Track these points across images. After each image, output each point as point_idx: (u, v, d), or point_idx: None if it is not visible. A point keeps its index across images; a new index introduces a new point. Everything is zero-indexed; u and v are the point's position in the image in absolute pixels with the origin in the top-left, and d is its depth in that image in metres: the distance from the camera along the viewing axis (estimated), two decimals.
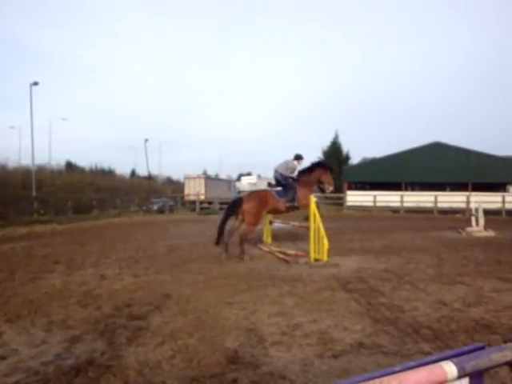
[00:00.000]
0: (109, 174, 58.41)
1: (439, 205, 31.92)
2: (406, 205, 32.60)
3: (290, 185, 10.81)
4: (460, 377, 1.97)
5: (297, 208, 10.79)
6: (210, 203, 35.50)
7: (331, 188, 11.33)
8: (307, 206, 9.90)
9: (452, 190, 36.01)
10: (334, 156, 52.50)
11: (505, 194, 32.30)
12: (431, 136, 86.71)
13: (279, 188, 10.88)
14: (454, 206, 31.33)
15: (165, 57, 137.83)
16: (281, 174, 10.95)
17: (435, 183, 36.09)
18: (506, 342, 2.18)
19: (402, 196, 32.98)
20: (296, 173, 11.16)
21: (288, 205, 10.69)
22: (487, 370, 2.15)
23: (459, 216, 28.32)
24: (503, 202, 30.24)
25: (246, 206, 10.26)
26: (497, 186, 35.81)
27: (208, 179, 39.84)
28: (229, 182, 46.29)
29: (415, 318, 5.19)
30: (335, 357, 4.06)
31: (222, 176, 55.53)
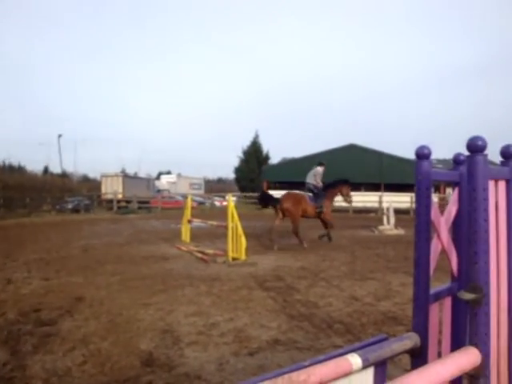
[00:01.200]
0: (18, 170, 54.85)
1: (354, 204, 33.36)
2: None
3: (321, 193, 12.65)
4: (365, 367, 2.05)
5: (321, 214, 12.62)
6: (127, 202, 34.53)
7: (351, 199, 14.31)
8: (329, 217, 12.66)
9: (366, 190, 37.78)
10: (254, 155, 53.12)
11: (413, 194, 34.37)
12: (347, 138, 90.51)
13: (311, 194, 12.58)
14: (368, 205, 32.90)
15: (80, 50, 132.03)
16: (313, 185, 12.76)
17: (351, 183, 37.65)
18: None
19: None
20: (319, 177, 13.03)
21: (318, 210, 12.40)
22: (390, 358, 2.27)
23: (372, 215, 29.79)
24: (411, 201, 32.22)
25: (286, 205, 11.94)
26: (406, 187, 38.09)
27: (126, 178, 38.69)
28: (148, 181, 45.27)
29: (329, 314, 5.37)
30: (251, 354, 4.09)
31: (141, 175, 54.20)
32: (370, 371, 2.19)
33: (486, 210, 1.84)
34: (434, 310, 2.47)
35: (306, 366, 1.90)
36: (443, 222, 2.39)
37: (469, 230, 1.88)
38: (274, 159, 54.90)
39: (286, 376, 1.72)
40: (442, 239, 2.38)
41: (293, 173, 37.79)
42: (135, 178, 43.73)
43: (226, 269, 8.51)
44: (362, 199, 33.46)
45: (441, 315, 2.68)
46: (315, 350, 4.17)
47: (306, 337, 4.56)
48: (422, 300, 2.29)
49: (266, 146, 57.41)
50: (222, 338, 4.52)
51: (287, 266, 8.69)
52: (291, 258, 9.90)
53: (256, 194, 35.40)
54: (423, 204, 2.20)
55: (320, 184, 12.90)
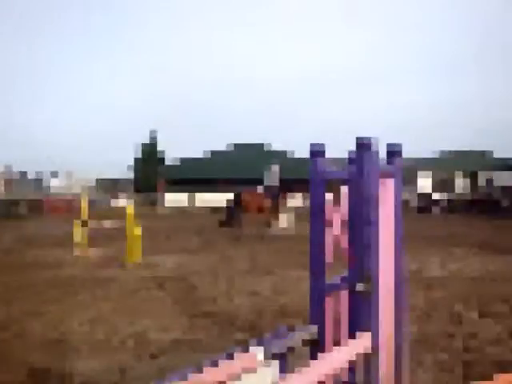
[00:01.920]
0: None
1: None
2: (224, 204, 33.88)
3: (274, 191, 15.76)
4: (268, 360, 2.11)
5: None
6: (15, 204, 31.98)
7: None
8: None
9: None
10: (151, 155, 51.84)
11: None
12: (250, 137, 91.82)
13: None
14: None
15: None
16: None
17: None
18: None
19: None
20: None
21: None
22: (291, 349, 2.35)
23: None
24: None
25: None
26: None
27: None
28: (37, 181, 42.22)
29: (231, 310, 5.43)
30: (153, 358, 4.01)
31: (31, 174, 50.30)
32: (274, 363, 2.25)
33: (376, 206, 1.99)
34: (330, 300, 2.60)
35: (209, 365, 1.90)
36: (337, 216, 2.53)
37: (360, 224, 2.01)
38: (173, 159, 54.08)
39: (189, 377, 1.71)
40: (336, 233, 2.51)
41: (192, 172, 37.60)
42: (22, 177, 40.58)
43: (124, 271, 8.24)
44: None
45: (338, 305, 2.84)
46: (219, 347, 4.19)
47: (210, 335, 4.58)
48: (318, 292, 2.41)
49: (163, 145, 56.32)
50: (123, 344, 4.38)
51: (188, 265, 8.64)
52: (192, 257, 9.85)
53: (153, 195, 34.78)
54: (317, 200, 2.31)
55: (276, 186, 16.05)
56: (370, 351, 2.02)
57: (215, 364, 1.85)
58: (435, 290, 6.40)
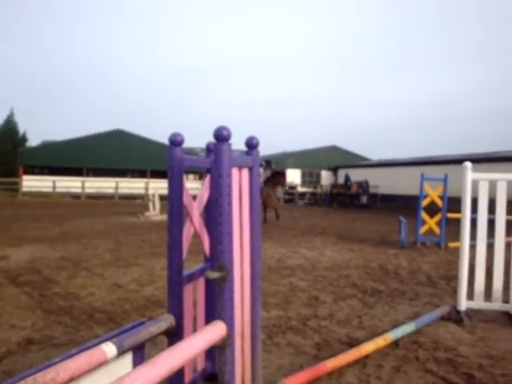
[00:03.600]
0: None
1: (120, 191, 32.84)
2: (87, 191, 32.25)
3: (262, 188, 15.55)
4: (121, 353, 2.04)
5: (264, 202, 15.83)
6: None
7: (286, 187, 20.00)
8: (269, 202, 16.00)
9: (133, 176, 37.54)
10: (9, 136, 47.27)
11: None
12: (114, 123, 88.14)
13: None
14: (135, 192, 32.79)
15: None
16: None
17: (117, 169, 36.83)
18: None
19: (83, 182, 32.44)
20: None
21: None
22: (148, 341, 2.30)
23: (139, 202, 29.78)
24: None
25: None
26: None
27: None
28: None
29: (90, 304, 5.18)
30: None
31: None
32: (128, 357, 2.19)
33: (230, 195, 2.02)
34: (188, 290, 2.60)
35: (55, 363, 1.79)
36: (196, 206, 2.53)
37: (214, 214, 2.03)
38: (33, 141, 49.95)
39: (29, 378, 1.59)
40: (195, 223, 2.51)
41: (54, 157, 35.03)
42: None
43: None
44: (129, 185, 33.22)
45: (196, 295, 2.84)
46: (74, 344, 3.96)
47: (65, 331, 4.31)
48: (176, 282, 2.39)
49: (22, 127, 51.75)
50: None
51: (45, 258, 8.04)
52: (49, 248, 9.18)
53: (11, 180, 31.84)
54: (176, 189, 2.29)
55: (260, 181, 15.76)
56: (223, 340, 2.05)
57: (61, 362, 1.75)
58: (295, 277, 6.77)
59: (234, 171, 2.15)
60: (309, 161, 37.90)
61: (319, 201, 33.93)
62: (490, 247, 4.98)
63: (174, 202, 2.30)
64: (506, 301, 4.97)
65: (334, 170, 37.71)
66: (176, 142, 2.30)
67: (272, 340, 4.02)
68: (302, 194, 34.75)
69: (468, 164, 4.97)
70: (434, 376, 3.35)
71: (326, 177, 37.82)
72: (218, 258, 2.02)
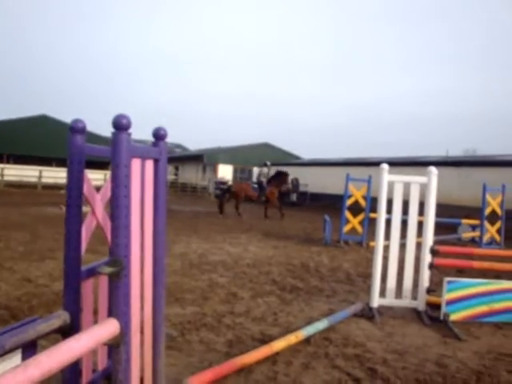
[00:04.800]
0: None
1: (44, 180, 31.27)
2: (7, 178, 30.42)
3: (264, 186, 17.82)
4: (8, 352, 1.89)
5: (266, 199, 17.78)
6: None
7: (288, 186, 20.84)
8: (272, 199, 17.62)
9: (58, 165, 35.87)
10: None
11: (107, 171, 34.47)
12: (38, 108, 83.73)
13: (256, 186, 18.25)
14: (60, 181, 31.32)
15: None
16: (259, 182, 18.22)
17: (41, 157, 35.04)
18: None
19: (2, 169, 30.55)
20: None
21: (261, 197, 17.86)
22: (40, 338, 2.15)
23: (63, 192, 28.51)
24: (104, 178, 32.26)
25: (235, 189, 17.59)
26: (102, 164, 37.87)
27: None
28: None
29: None
30: None
31: None
32: (17, 355, 2.04)
33: (128, 187, 1.91)
34: (88, 286, 2.46)
35: None
36: (99, 197, 2.40)
37: (110, 206, 1.92)
38: None
39: None
40: (97, 215, 2.38)
41: None
42: None
43: None
44: (54, 175, 31.70)
45: (99, 291, 2.70)
46: None
47: None
48: (73, 277, 2.25)
49: None
50: None
51: None
52: None
53: None
54: (75, 178, 2.15)
55: (264, 180, 18.02)
56: (116, 338, 1.95)
57: None
58: (216, 273, 6.72)
59: (135, 162, 2.05)
60: (241, 157, 37.95)
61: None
62: (403, 247, 5.19)
63: (72, 193, 2.16)
64: (414, 297, 5.21)
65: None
66: (77, 128, 2.16)
67: (184, 337, 3.94)
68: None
69: (385, 166, 5.14)
70: (340, 372, 3.42)
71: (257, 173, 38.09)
72: (113, 252, 1.92)
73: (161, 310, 2.48)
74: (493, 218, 11.65)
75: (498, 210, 11.71)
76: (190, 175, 40.50)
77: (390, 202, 5.15)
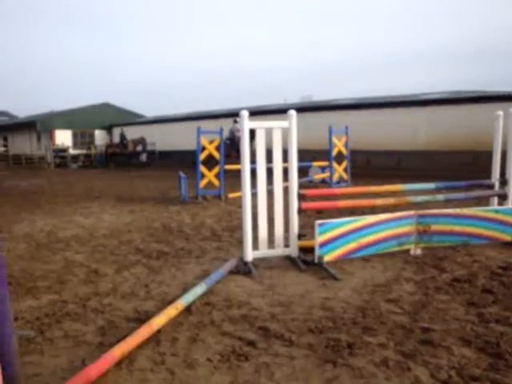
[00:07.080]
0: None
1: None
2: None
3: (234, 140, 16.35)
4: None
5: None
6: None
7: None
8: None
9: None
10: None
11: None
12: None
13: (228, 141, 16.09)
14: None
15: None
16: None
17: None
18: None
19: None
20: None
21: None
22: None
23: None
24: None
25: None
26: None
27: None
28: None
29: None
30: None
31: None
32: None
33: None
34: None
35: None
36: None
37: None
38: None
39: None
40: None
41: None
42: None
43: None
44: None
45: None
46: None
47: None
48: None
49: None
50: None
51: None
52: None
53: None
54: None
55: (237, 135, 16.03)
56: None
57: None
58: (70, 250, 5.93)
59: None
60: (80, 121, 34.85)
61: (94, 163, 31.82)
62: (270, 194, 5.01)
63: None
64: (286, 245, 5.14)
65: (109, 128, 35.67)
66: None
67: (44, 335, 3.26)
68: (75, 157, 32.10)
69: (245, 113, 4.84)
70: (231, 338, 3.13)
71: (100, 137, 35.53)
72: None
73: (7, 310, 1.86)
74: (339, 158, 12.39)
75: (344, 150, 12.47)
76: (23, 145, 36.25)
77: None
